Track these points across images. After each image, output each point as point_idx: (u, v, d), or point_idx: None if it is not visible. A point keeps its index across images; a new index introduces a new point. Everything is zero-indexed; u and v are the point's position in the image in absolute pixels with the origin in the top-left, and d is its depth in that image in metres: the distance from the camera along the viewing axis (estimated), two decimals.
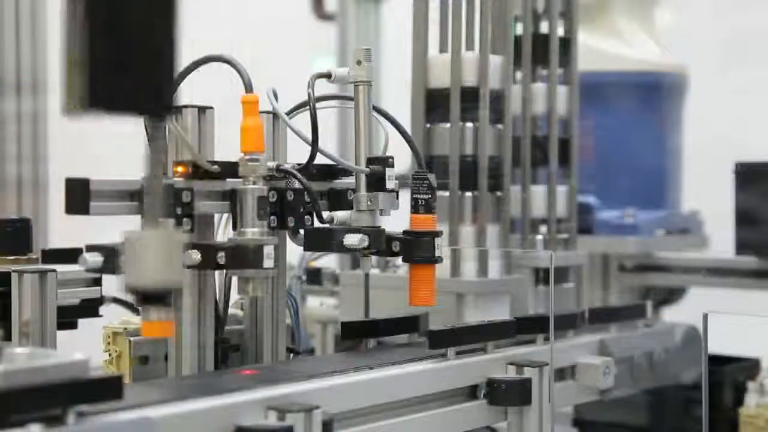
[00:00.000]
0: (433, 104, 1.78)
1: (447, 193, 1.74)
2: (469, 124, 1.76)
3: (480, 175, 1.76)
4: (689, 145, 2.53)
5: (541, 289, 1.83)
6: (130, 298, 1.10)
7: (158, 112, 1.03)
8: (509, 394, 1.46)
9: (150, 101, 0.99)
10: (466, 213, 1.76)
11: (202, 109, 1.38)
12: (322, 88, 1.48)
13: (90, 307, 1.51)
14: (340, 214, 1.46)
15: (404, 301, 1.52)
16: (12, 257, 1.48)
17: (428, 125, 1.79)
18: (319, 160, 1.42)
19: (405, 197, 1.50)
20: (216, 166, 1.34)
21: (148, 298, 1.09)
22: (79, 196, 1.22)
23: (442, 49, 1.80)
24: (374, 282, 1.73)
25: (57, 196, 1.19)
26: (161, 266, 1.06)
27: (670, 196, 2.48)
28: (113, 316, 1.51)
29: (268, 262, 1.29)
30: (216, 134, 1.39)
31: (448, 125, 1.76)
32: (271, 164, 1.37)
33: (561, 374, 1.61)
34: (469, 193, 1.76)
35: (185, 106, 1.37)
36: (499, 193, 1.80)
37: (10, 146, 2.63)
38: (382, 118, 1.53)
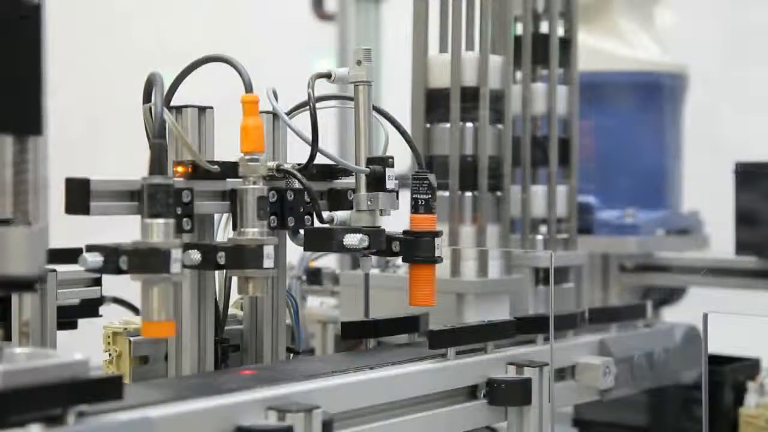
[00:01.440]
0: (433, 104, 1.78)
1: (447, 193, 1.74)
2: (469, 124, 1.76)
3: (480, 175, 1.76)
4: (689, 145, 2.53)
5: (541, 289, 1.83)
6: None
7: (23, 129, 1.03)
8: (509, 394, 1.46)
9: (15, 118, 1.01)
10: (466, 213, 1.76)
11: (202, 109, 1.38)
12: (322, 88, 1.48)
13: (90, 307, 1.51)
14: (340, 214, 1.46)
15: (404, 301, 1.52)
16: None
17: (428, 125, 1.79)
18: (319, 160, 1.42)
19: (405, 197, 1.50)
20: (216, 166, 1.34)
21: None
22: (79, 196, 1.22)
23: (442, 49, 1.80)
24: (374, 282, 1.73)
25: (57, 196, 1.19)
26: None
27: (670, 196, 2.48)
28: (113, 316, 1.51)
29: (268, 262, 1.29)
30: (216, 134, 1.39)
31: (448, 125, 1.76)
32: (271, 164, 1.37)
33: (561, 374, 1.61)
34: (469, 193, 1.76)
35: (185, 106, 1.37)
36: (499, 193, 1.80)
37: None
38: (382, 118, 1.53)
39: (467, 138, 1.76)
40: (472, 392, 1.46)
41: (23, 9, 1.01)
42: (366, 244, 1.40)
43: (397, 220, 1.51)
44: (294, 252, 1.64)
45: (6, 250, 1.01)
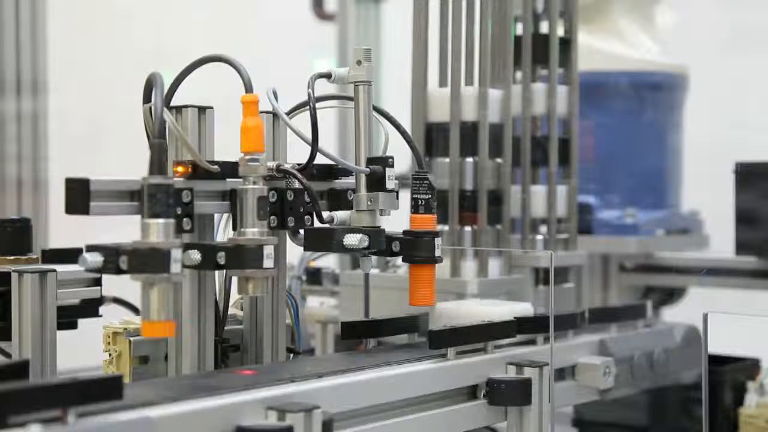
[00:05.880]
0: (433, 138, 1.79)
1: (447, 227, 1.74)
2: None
3: (480, 175, 1.76)
4: (689, 145, 2.53)
5: (541, 289, 1.83)
6: None
7: None
8: (509, 394, 1.46)
9: None
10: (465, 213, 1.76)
11: (202, 109, 1.38)
12: (322, 88, 1.48)
13: (90, 307, 1.51)
14: (340, 214, 1.46)
15: (404, 301, 1.52)
16: (12, 257, 1.48)
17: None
18: (319, 160, 1.42)
19: (405, 197, 1.50)
20: (216, 166, 1.34)
21: None
22: (79, 196, 1.22)
23: (443, 55, 1.80)
24: (374, 282, 1.73)
25: (57, 196, 1.19)
26: None
27: (670, 196, 2.48)
28: (113, 316, 1.51)
29: (268, 262, 1.29)
30: (216, 134, 1.39)
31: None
32: (271, 164, 1.37)
33: (561, 374, 1.61)
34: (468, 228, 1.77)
35: (185, 106, 1.37)
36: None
37: (10, 146, 2.64)
38: (382, 118, 1.53)
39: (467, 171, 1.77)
40: (472, 392, 1.46)
41: None
42: (366, 244, 1.40)
43: (397, 220, 1.51)
44: (294, 252, 1.64)
45: None
